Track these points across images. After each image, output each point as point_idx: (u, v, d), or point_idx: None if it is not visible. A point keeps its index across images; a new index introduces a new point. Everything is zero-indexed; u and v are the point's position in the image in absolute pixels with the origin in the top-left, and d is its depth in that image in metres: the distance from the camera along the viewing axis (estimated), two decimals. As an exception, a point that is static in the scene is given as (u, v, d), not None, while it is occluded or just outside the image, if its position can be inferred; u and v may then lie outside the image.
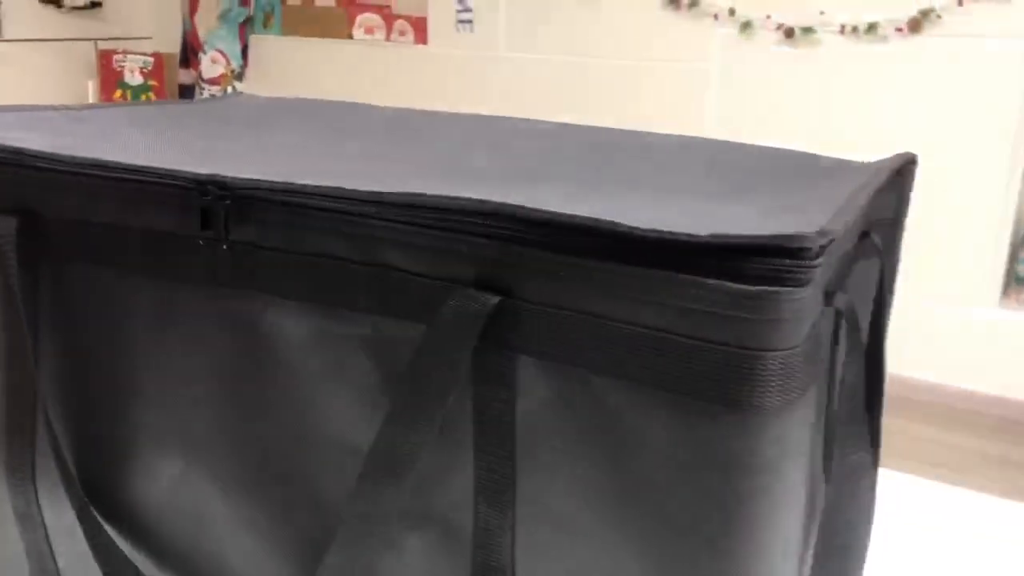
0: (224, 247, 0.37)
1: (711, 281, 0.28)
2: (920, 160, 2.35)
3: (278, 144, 0.46)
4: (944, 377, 2.43)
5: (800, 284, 0.28)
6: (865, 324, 0.47)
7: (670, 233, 0.28)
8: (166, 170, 0.37)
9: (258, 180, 0.35)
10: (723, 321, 0.28)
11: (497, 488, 0.34)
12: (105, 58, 3.27)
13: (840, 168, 0.46)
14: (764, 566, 0.31)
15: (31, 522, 0.46)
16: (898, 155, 0.47)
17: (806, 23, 2.42)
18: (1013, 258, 2.36)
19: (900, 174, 0.48)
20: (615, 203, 0.34)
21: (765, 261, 0.27)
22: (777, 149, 0.50)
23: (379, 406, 0.36)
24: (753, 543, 0.30)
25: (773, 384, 0.28)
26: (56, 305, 0.42)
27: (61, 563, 0.46)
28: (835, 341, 0.41)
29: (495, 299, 0.32)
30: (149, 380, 0.40)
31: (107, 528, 0.44)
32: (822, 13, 2.40)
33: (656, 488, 0.31)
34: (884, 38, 2.35)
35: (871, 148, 2.43)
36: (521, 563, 0.35)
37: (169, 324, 0.39)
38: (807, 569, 0.38)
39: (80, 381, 0.42)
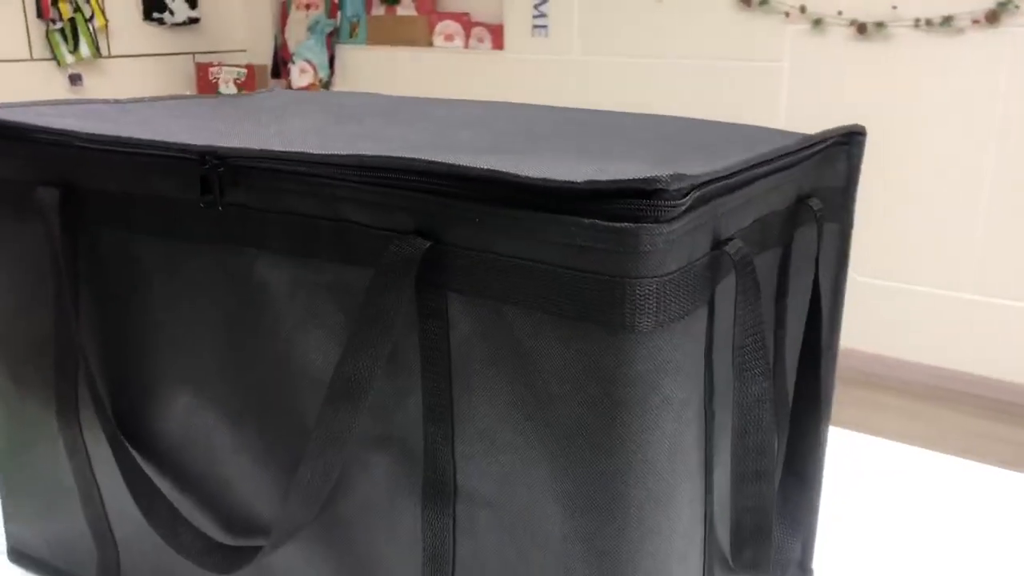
0: (219, 209, 0.44)
1: (586, 220, 0.33)
2: (1001, 154, 2.30)
3: (288, 127, 0.53)
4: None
5: (658, 221, 0.33)
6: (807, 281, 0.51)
7: (553, 180, 0.33)
8: (173, 143, 0.44)
9: (243, 149, 0.42)
10: (598, 253, 0.33)
11: (438, 409, 0.40)
12: (202, 70, 3.46)
13: (780, 138, 0.50)
14: (646, 465, 0.35)
15: (77, 453, 0.54)
16: (843, 126, 0.51)
17: (878, 18, 2.40)
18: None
19: (847, 145, 0.52)
20: (538, 163, 0.39)
21: (628, 202, 0.33)
22: (737, 125, 0.55)
23: (344, 343, 0.42)
24: (633, 444, 0.35)
25: (642, 307, 0.33)
26: (90, 264, 0.49)
27: (103, 487, 0.54)
28: (778, 286, 0.46)
29: (426, 244, 0.38)
30: (164, 326, 0.47)
31: (137, 456, 0.51)
32: (895, 8, 2.38)
33: (554, 400, 0.36)
34: (960, 31, 2.32)
35: (949, 142, 2.39)
36: (460, 473, 0.40)
37: (178, 278, 0.46)
38: (722, 480, 0.43)
39: (111, 329, 0.50)
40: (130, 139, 0.46)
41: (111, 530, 0.55)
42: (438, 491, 0.41)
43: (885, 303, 2.53)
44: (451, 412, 0.40)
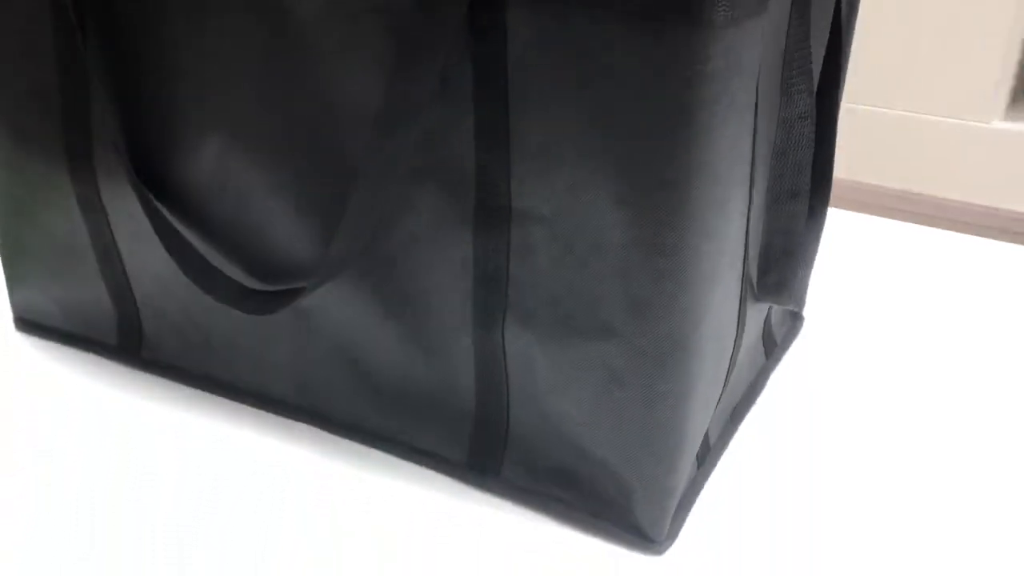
0: (249, -70, 0.42)
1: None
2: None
3: None
4: (950, 191, 2.45)
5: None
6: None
7: None
8: None
9: None
10: (676, -58, 0.33)
11: (493, 132, 0.40)
12: None
13: None
14: (709, 168, 0.37)
15: (93, 207, 0.53)
16: None
17: None
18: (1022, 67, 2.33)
19: None
20: None
21: None
22: None
23: (388, 69, 0.41)
24: (699, 147, 0.36)
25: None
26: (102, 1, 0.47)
27: (121, 244, 0.53)
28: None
29: (485, -51, 0.37)
30: (190, 66, 0.46)
31: (162, 208, 0.50)
32: None
33: (621, 106, 0.36)
34: None
35: None
36: (515, 194, 0.41)
37: (205, 11, 0.44)
38: (756, 202, 0.45)
39: (129, 72, 0.48)
40: None
41: (131, 289, 0.55)
42: (492, 215, 0.42)
43: (892, 132, 2.54)
44: (507, 134, 0.40)
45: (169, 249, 0.49)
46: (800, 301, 0.50)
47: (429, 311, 0.45)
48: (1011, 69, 2.22)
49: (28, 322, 0.61)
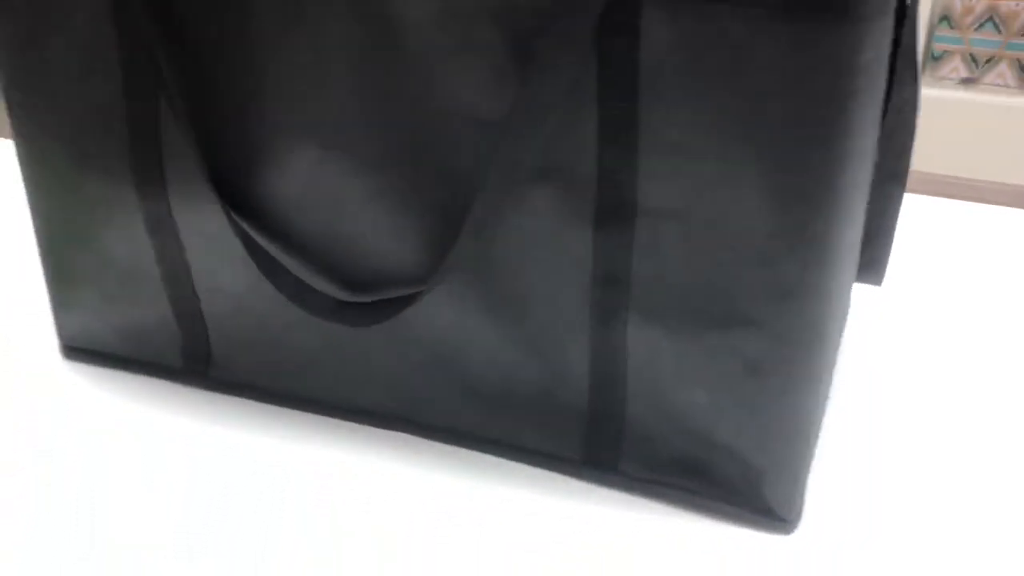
0: (353, -65, 0.41)
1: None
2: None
3: None
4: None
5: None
6: None
7: None
8: None
9: None
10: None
11: (621, 131, 0.40)
12: None
13: None
14: (857, 154, 0.38)
15: (162, 227, 0.51)
16: None
17: None
18: (929, 36, 2.43)
19: None
20: None
21: None
22: None
23: (506, 76, 0.41)
24: (852, 134, 0.37)
25: (872, -6, 0.35)
26: (177, 4, 0.45)
27: (192, 263, 0.51)
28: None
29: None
30: (279, 75, 0.44)
31: (245, 225, 0.49)
32: None
33: (773, 101, 0.37)
34: None
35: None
36: (641, 192, 0.41)
37: (297, 16, 0.43)
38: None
39: (206, 84, 0.46)
40: None
41: (200, 309, 0.53)
42: (615, 213, 0.42)
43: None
44: (636, 133, 0.40)
45: (260, 268, 0.47)
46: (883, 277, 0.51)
47: (542, 311, 0.45)
48: (922, 36, 2.30)
49: (78, 349, 0.58)
